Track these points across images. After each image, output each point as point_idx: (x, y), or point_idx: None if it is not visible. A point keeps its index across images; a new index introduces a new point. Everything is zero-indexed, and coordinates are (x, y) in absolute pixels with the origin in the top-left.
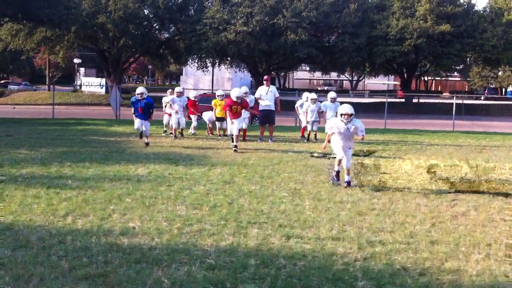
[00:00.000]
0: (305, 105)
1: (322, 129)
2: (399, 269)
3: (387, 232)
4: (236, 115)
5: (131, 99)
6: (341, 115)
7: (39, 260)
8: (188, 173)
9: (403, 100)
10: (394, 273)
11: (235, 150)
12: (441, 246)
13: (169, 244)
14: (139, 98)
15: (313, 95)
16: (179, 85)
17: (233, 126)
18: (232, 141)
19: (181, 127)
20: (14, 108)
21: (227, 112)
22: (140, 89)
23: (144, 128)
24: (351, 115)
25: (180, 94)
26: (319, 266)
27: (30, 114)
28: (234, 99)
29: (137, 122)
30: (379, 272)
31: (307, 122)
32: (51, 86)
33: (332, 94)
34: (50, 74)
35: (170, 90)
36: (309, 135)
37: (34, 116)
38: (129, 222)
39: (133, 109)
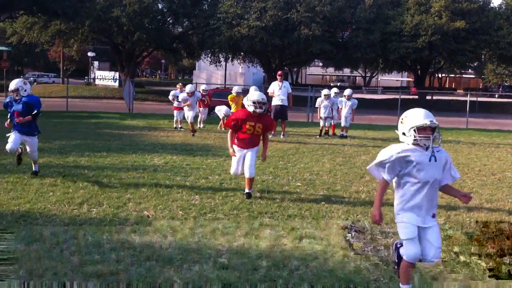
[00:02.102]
0: (318, 100)
1: (337, 126)
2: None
3: None
4: (251, 142)
5: (4, 101)
6: (417, 130)
7: (53, 255)
8: (204, 163)
9: (416, 97)
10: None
11: (247, 197)
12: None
13: (181, 243)
14: (16, 97)
15: (326, 91)
16: (191, 81)
17: (245, 164)
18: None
19: (189, 121)
20: None
21: (231, 134)
22: (15, 83)
23: (27, 149)
24: (435, 129)
25: (191, 94)
26: (332, 269)
27: (44, 106)
28: (251, 108)
29: (13, 138)
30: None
31: (320, 118)
32: (65, 79)
33: (347, 92)
34: (65, 67)
35: (179, 84)
36: (321, 130)
37: (48, 109)
38: (144, 211)
39: (9, 115)
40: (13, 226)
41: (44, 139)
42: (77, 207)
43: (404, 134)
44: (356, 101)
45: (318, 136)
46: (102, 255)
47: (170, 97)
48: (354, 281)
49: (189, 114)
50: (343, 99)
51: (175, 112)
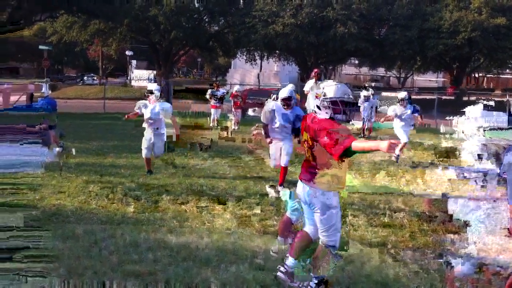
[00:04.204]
0: (359, 102)
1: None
2: None
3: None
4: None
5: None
6: None
7: (92, 254)
8: (242, 161)
9: (452, 97)
10: None
11: None
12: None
13: (217, 244)
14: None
15: (366, 92)
16: (225, 81)
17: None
18: None
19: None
20: (66, 102)
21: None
22: None
23: None
24: None
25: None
26: (369, 274)
27: (82, 108)
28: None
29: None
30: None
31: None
32: (103, 80)
33: (402, 95)
34: (103, 66)
35: (216, 83)
36: (363, 130)
37: (86, 110)
38: (182, 207)
39: None
40: (49, 223)
41: (82, 140)
42: (115, 203)
43: None
44: (415, 108)
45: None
46: (140, 255)
47: (207, 96)
48: None
49: (158, 142)
50: (396, 107)
51: (212, 111)
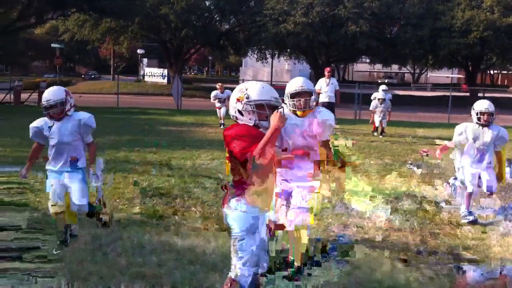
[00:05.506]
0: (373, 104)
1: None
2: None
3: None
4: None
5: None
6: None
7: (96, 259)
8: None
9: (467, 94)
10: None
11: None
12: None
13: (223, 250)
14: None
15: (381, 95)
16: (238, 77)
17: None
18: None
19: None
20: (80, 96)
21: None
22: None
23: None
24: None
25: (58, 113)
26: (380, 280)
27: (95, 103)
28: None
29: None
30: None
31: (374, 122)
32: (116, 76)
33: (485, 104)
34: (115, 64)
35: (219, 84)
36: (377, 128)
37: (99, 105)
38: (192, 207)
39: None
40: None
41: (97, 135)
42: (126, 203)
43: None
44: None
45: (375, 134)
46: (144, 258)
47: (212, 98)
48: None
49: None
50: (472, 127)
51: (217, 110)
